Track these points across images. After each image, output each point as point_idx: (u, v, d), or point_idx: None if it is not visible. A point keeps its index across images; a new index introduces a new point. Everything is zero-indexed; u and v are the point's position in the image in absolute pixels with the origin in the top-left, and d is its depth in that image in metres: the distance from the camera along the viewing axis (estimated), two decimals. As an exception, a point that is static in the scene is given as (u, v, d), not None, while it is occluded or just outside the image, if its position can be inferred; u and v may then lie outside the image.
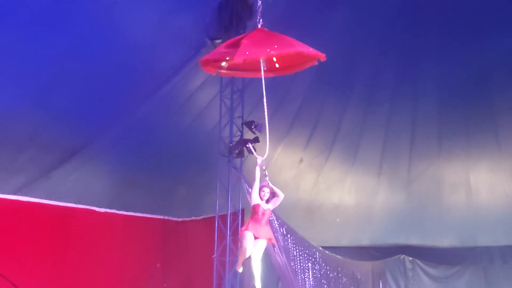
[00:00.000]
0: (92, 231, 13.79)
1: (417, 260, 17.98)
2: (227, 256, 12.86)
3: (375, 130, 14.93)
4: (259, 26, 7.49)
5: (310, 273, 15.06)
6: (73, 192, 13.18)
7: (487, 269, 17.20)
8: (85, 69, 10.27)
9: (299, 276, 14.55)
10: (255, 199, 7.52)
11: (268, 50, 6.77)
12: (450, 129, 14.71)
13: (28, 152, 11.34)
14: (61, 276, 12.91)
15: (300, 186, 15.96)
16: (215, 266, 12.94)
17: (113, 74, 10.77)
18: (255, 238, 7.37)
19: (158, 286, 14.82)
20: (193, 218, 15.74)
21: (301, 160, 15.36)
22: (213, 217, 13.37)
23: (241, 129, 12.85)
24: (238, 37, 7.37)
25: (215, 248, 13.00)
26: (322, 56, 7.07)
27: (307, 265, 14.96)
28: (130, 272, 14.34)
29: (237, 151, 12.58)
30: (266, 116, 7.71)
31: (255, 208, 7.49)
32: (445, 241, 17.17)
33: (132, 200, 14.30)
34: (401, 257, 18.03)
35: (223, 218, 13.08)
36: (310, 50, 6.92)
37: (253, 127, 12.48)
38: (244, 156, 12.75)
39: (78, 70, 10.22)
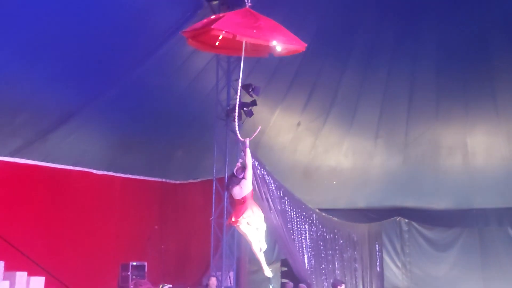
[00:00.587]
0: (90, 193, 13.88)
1: (413, 222, 18.10)
2: (225, 218, 12.94)
3: (373, 94, 14.86)
4: (248, 6, 7.35)
5: (307, 234, 15.17)
6: (70, 154, 13.21)
7: (482, 231, 17.31)
8: (80, 31, 10.18)
9: (296, 238, 14.67)
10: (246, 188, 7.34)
11: (253, 30, 6.67)
12: (448, 92, 14.64)
13: (24, 115, 11.33)
14: (59, 237, 13.03)
15: (297, 149, 15.97)
16: (212, 228, 13.03)
17: (109, 36, 10.67)
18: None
19: (156, 247, 14.95)
20: (190, 181, 15.80)
21: (298, 124, 15.33)
22: (211, 180, 13.43)
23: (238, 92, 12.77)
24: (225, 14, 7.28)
25: (213, 211, 13.08)
26: (302, 47, 6.98)
27: (303, 227, 15.07)
28: (128, 234, 14.46)
29: (234, 114, 12.55)
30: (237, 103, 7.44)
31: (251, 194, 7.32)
32: (441, 204, 17.25)
33: (129, 162, 14.34)
34: (397, 219, 18.15)
35: (221, 181, 13.12)
36: (293, 42, 6.82)
37: (250, 90, 12.44)
38: (241, 120, 12.73)
39: (74, 32, 10.14)
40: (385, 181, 16.74)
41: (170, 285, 13.67)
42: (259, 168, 13.33)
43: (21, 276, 11.07)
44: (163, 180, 15.63)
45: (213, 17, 7.04)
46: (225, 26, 6.62)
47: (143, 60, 11.88)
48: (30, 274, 11.13)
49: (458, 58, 13.91)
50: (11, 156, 12.30)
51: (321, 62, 14.09)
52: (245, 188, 7.29)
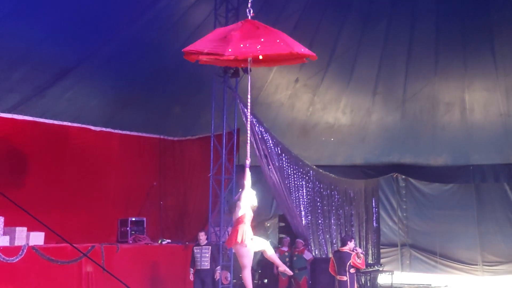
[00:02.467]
0: (88, 149, 13.89)
1: (410, 179, 18.18)
2: (223, 174, 13.01)
3: (372, 49, 14.76)
4: (249, 17, 7.41)
5: (304, 191, 15.26)
6: (68, 110, 13.19)
7: (479, 187, 17.39)
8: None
9: (293, 194, 14.77)
10: (244, 208, 7.17)
11: (259, 47, 6.65)
12: (447, 48, 14.56)
13: (22, 70, 11.27)
14: (59, 193, 13.09)
15: (295, 106, 15.96)
16: (211, 184, 13.10)
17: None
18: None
19: (154, 204, 15.04)
20: (189, 137, 15.81)
21: (296, 80, 15.28)
22: (209, 136, 13.43)
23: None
24: (226, 29, 7.33)
25: (211, 167, 13.12)
26: (313, 56, 6.98)
27: (301, 183, 15.15)
28: (127, 190, 14.53)
29: (232, 71, 12.50)
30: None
31: (243, 217, 7.17)
32: (439, 160, 17.31)
33: (127, 119, 14.32)
34: (394, 175, 18.21)
35: (219, 137, 13.14)
36: (301, 50, 6.82)
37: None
38: (239, 76, 12.68)
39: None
40: (383, 137, 16.78)
41: (169, 240, 13.83)
42: (257, 125, 13.35)
43: (20, 231, 11.13)
44: (161, 136, 15.63)
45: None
46: (236, 51, 6.60)
47: (140, 16, 11.76)
48: (30, 229, 11.18)
49: (457, 13, 13.81)
50: (9, 112, 12.29)
51: (319, 17, 13.96)
52: (239, 208, 7.24)
